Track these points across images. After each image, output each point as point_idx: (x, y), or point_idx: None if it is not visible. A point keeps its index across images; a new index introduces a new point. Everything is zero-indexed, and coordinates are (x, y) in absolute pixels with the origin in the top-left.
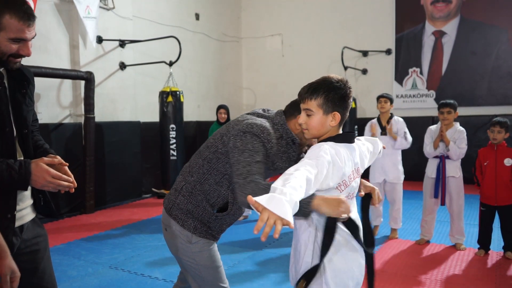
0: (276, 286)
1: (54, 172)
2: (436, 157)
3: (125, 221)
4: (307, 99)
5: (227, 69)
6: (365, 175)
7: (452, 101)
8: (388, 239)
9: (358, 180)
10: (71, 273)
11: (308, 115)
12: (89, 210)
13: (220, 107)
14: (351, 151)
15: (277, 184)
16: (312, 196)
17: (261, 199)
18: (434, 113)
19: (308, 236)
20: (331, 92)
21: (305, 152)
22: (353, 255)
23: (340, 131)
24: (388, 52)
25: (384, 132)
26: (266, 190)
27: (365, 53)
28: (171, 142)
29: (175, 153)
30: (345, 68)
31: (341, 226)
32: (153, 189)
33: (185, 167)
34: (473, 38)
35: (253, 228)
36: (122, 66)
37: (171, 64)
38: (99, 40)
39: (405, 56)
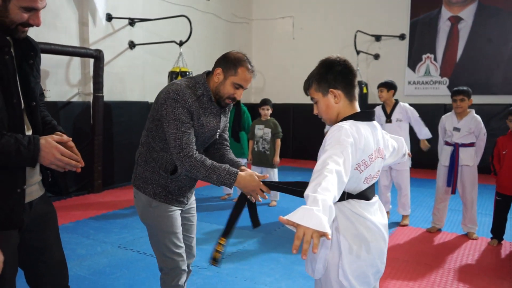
0: (285, 268)
1: (64, 150)
2: (449, 144)
3: (132, 201)
4: (307, 90)
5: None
6: None
7: (466, 88)
8: (399, 226)
9: (380, 161)
10: (80, 251)
11: (315, 103)
12: (97, 190)
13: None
14: (372, 129)
15: (309, 190)
16: (232, 178)
17: (294, 217)
18: (447, 100)
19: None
20: (321, 73)
21: (224, 106)
22: (377, 245)
23: (357, 109)
24: (402, 37)
25: (389, 119)
26: (201, 166)
27: (378, 38)
28: None
29: None
30: (358, 52)
31: (368, 217)
32: None
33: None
34: (490, 25)
35: (291, 248)
36: (132, 45)
37: (181, 44)
38: (109, 18)
39: (419, 42)
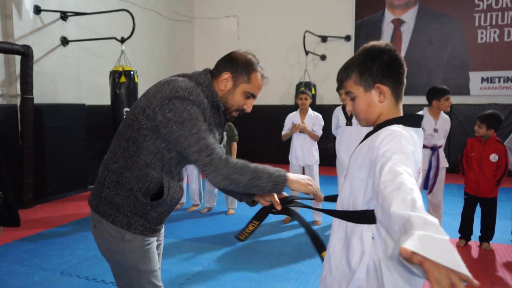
0: (260, 286)
1: None
2: (425, 147)
3: (71, 217)
4: (344, 80)
5: (179, 50)
6: (328, 164)
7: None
8: None
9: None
10: (13, 282)
11: (352, 99)
12: (28, 205)
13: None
14: (419, 137)
15: (403, 207)
16: (284, 174)
17: (423, 250)
18: None
19: (363, 244)
20: (366, 63)
21: (229, 119)
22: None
23: (401, 111)
24: (348, 38)
25: (349, 122)
26: (244, 167)
27: (324, 39)
28: None
29: None
30: (306, 53)
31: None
32: None
33: (106, 155)
34: (431, 28)
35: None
36: (64, 41)
37: (123, 40)
38: (37, 10)
39: (364, 43)
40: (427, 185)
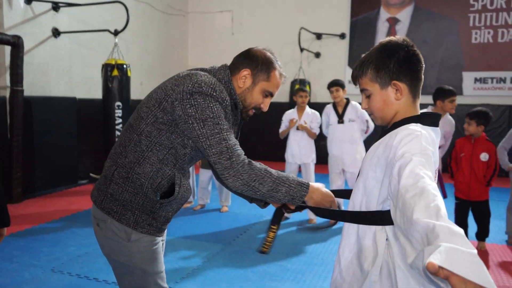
0: (256, 285)
1: None
2: None
3: (62, 212)
4: (359, 77)
5: (173, 45)
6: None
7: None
8: None
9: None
10: (2, 280)
11: (368, 97)
12: (17, 199)
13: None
14: (437, 137)
15: (427, 215)
16: (305, 190)
17: (451, 264)
18: None
19: (377, 246)
20: (382, 59)
21: (245, 118)
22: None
23: (418, 109)
24: (342, 36)
25: (341, 120)
26: (266, 174)
27: (318, 36)
28: (116, 122)
29: None
30: (301, 50)
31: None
32: (91, 174)
33: (113, 148)
34: (425, 28)
35: None
36: (56, 32)
37: (116, 33)
38: (28, 0)
39: (359, 41)
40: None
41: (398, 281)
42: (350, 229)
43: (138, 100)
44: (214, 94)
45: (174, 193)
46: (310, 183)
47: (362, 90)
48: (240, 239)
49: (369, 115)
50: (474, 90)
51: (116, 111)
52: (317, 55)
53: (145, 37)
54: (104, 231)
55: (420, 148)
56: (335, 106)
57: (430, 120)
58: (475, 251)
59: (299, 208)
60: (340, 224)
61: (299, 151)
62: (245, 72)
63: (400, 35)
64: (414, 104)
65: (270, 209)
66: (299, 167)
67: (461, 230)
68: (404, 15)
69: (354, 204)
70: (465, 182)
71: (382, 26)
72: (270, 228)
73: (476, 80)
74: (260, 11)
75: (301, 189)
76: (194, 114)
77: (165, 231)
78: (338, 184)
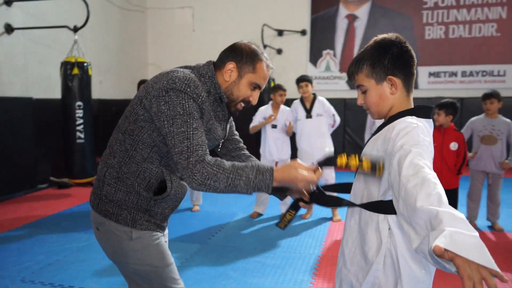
0: (239, 283)
1: None
2: None
3: (24, 219)
4: (355, 74)
5: (132, 41)
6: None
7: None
8: (333, 222)
9: None
10: None
11: (364, 93)
12: None
13: (141, 82)
14: (431, 128)
15: (429, 202)
16: (268, 178)
17: (455, 247)
18: (347, 95)
19: (380, 235)
20: (377, 55)
21: (234, 112)
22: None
23: (412, 102)
24: (303, 32)
25: (309, 115)
26: (219, 171)
27: (280, 33)
28: (77, 122)
29: (82, 136)
30: (265, 46)
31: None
32: (52, 178)
33: (105, 150)
34: (383, 24)
35: None
36: (9, 29)
37: (76, 29)
38: None
39: (320, 38)
40: None
41: (401, 269)
42: (352, 221)
43: (97, 100)
44: (188, 90)
45: (167, 189)
46: (275, 167)
47: (358, 86)
48: (215, 237)
49: (365, 110)
50: (428, 84)
51: (77, 111)
52: (279, 51)
53: (103, 34)
54: (105, 234)
55: (418, 139)
56: (302, 102)
57: (424, 112)
58: (477, 234)
59: (314, 201)
60: (311, 218)
61: (277, 148)
62: (230, 65)
63: (359, 32)
64: (408, 98)
65: (244, 207)
66: (276, 163)
67: (462, 215)
68: (362, 12)
69: (356, 196)
70: (437, 171)
71: (342, 23)
72: (288, 211)
73: (430, 74)
74: (221, 8)
75: (263, 178)
76: (166, 111)
77: (166, 232)
78: None
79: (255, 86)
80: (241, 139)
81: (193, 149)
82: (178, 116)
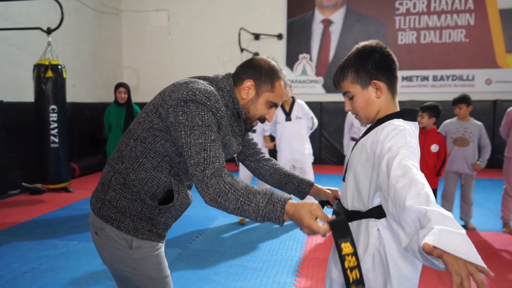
0: (221, 286)
1: None
2: (355, 140)
3: None
4: (340, 81)
5: (106, 44)
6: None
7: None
8: None
9: None
10: None
11: (351, 99)
12: None
13: (119, 85)
14: (417, 130)
15: (418, 202)
16: (282, 203)
17: (443, 244)
18: (322, 98)
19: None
20: (360, 62)
21: (249, 129)
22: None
23: (397, 105)
24: (280, 36)
25: (288, 117)
26: (230, 191)
27: (257, 37)
28: (51, 126)
29: (56, 140)
30: (242, 50)
31: None
32: (24, 184)
33: (112, 154)
34: (357, 29)
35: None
36: None
37: (49, 31)
38: None
39: (296, 42)
40: None
41: (390, 268)
42: None
43: (70, 103)
44: (208, 103)
45: (173, 199)
46: (290, 201)
47: (344, 93)
48: (196, 242)
49: (354, 116)
50: (401, 88)
51: (51, 115)
52: (256, 55)
53: (77, 36)
54: (104, 239)
55: (405, 141)
56: (282, 105)
57: (410, 115)
58: (464, 231)
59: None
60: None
61: None
62: (248, 83)
63: (334, 36)
64: (393, 101)
65: (221, 212)
66: None
67: (450, 214)
68: (337, 17)
69: (347, 197)
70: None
71: (317, 28)
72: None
73: (403, 78)
74: (197, 11)
75: (273, 209)
76: (184, 121)
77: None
78: None
79: (272, 105)
80: (256, 142)
81: (210, 161)
82: (197, 127)
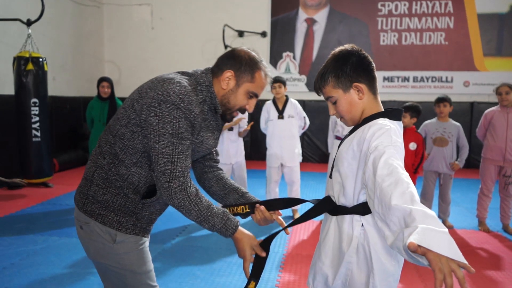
0: (206, 282)
1: None
2: (339, 138)
3: None
4: (322, 88)
5: (87, 38)
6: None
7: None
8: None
9: None
10: None
11: (334, 103)
12: None
13: (102, 79)
14: (401, 130)
15: (403, 201)
16: (233, 229)
17: (426, 242)
18: (305, 97)
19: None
20: (339, 67)
21: (229, 120)
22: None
23: (380, 104)
24: (264, 34)
25: (281, 116)
26: (194, 207)
27: (241, 34)
28: (33, 120)
29: (38, 134)
30: (225, 47)
31: None
32: (1, 179)
33: (94, 149)
34: (340, 29)
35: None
36: None
37: (29, 23)
38: None
39: (280, 40)
40: None
41: (373, 263)
42: (329, 216)
43: (52, 97)
44: (182, 105)
45: (156, 193)
46: (239, 228)
47: (327, 98)
48: (179, 238)
49: (340, 119)
50: (383, 88)
51: (32, 108)
52: None
53: (57, 29)
54: (88, 233)
55: (391, 140)
56: (275, 102)
57: (395, 115)
58: (447, 230)
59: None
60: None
61: (235, 151)
62: (228, 74)
63: (317, 36)
64: (376, 100)
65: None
66: (232, 167)
67: (433, 213)
68: (321, 17)
69: (334, 194)
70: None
71: (301, 26)
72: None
73: (384, 79)
74: (180, 6)
75: (225, 232)
76: (155, 125)
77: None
78: (276, 179)
79: (252, 95)
80: (218, 154)
81: (175, 175)
82: (167, 135)
